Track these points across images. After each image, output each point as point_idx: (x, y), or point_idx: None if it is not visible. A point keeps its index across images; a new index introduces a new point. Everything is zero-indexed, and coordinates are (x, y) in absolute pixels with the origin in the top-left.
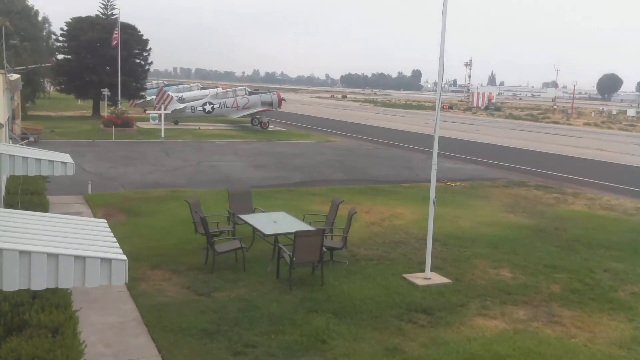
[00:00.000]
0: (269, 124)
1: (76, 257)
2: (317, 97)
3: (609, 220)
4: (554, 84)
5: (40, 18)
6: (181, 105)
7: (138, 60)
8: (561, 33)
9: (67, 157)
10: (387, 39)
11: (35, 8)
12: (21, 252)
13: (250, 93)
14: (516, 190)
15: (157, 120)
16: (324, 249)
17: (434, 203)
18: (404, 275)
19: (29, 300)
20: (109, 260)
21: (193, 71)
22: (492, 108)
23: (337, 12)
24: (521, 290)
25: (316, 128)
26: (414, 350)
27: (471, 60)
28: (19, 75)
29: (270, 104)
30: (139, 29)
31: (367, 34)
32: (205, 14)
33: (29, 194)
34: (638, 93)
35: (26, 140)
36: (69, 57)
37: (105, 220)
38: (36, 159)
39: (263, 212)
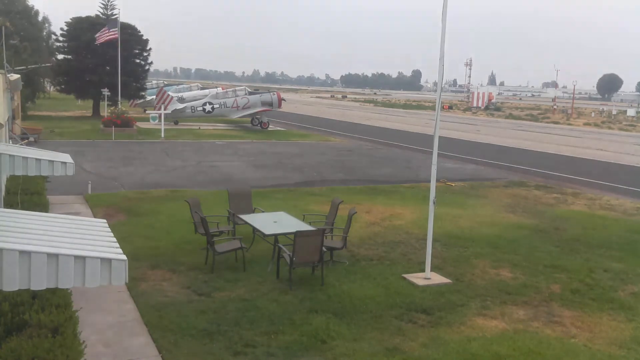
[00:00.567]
0: (269, 124)
1: (76, 257)
2: (317, 97)
3: (609, 220)
4: (554, 84)
5: (40, 18)
6: (181, 105)
7: (138, 60)
8: (561, 33)
9: (67, 157)
10: (387, 39)
11: (36, 8)
12: (21, 252)
13: (250, 93)
14: (516, 190)
15: (157, 120)
16: (324, 249)
17: (434, 203)
18: (404, 275)
19: (29, 300)
20: (109, 260)
21: (193, 71)
22: (492, 108)
23: (337, 12)
24: (521, 290)
25: (316, 128)
26: (414, 350)
27: (471, 60)
28: (19, 75)
29: (270, 104)
30: (139, 29)
31: (367, 34)
32: (206, 13)
33: (29, 194)
34: (638, 93)
35: (26, 140)
36: (69, 57)
37: (105, 220)
38: (36, 159)
39: (263, 212)
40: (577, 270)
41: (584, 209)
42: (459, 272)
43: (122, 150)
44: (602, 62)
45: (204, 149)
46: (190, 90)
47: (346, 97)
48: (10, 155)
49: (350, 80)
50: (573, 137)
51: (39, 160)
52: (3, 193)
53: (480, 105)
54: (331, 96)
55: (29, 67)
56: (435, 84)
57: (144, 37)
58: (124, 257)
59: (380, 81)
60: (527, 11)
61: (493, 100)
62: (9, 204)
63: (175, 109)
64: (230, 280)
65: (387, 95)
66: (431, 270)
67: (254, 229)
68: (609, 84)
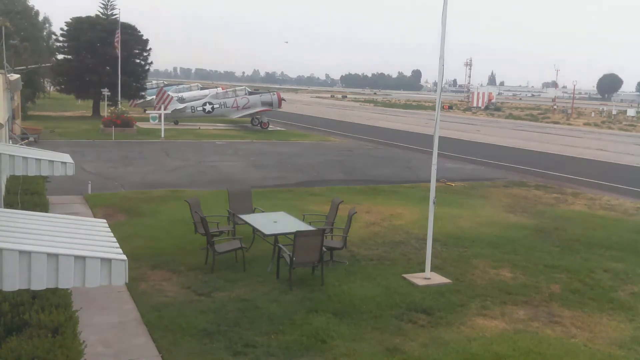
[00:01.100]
0: (269, 124)
1: (76, 257)
2: (317, 97)
3: (609, 220)
4: (554, 84)
5: (40, 18)
6: (181, 105)
7: (138, 60)
8: (561, 33)
9: (67, 157)
10: (387, 39)
11: (36, 8)
12: (21, 252)
13: (250, 93)
14: (516, 190)
15: (157, 120)
16: (324, 249)
17: (434, 203)
18: (404, 275)
19: (29, 300)
20: (109, 260)
21: (193, 71)
22: (492, 108)
23: (337, 11)
24: (521, 290)
25: (316, 128)
26: (414, 350)
27: (471, 60)
28: (19, 75)
29: (270, 104)
30: (139, 29)
31: (367, 34)
32: (206, 13)
33: (29, 194)
34: (638, 93)
35: (26, 140)
36: (69, 57)
37: (105, 220)
38: (36, 159)
39: (263, 212)
40: (577, 270)
41: (584, 209)
42: (459, 272)
43: (122, 150)
44: (602, 62)
45: (204, 149)
46: (190, 90)
47: (346, 97)
48: (10, 155)
49: (350, 80)
50: (573, 137)
51: (39, 160)
52: (3, 193)
53: (480, 105)
54: (331, 96)
55: (29, 67)
56: (435, 84)
57: (144, 37)
58: (124, 257)
59: (380, 81)
60: (527, 11)
61: (493, 100)
62: (9, 204)
63: (175, 109)
64: (230, 280)
65: (387, 95)
66: (431, 270)
67: (254, 229)
68: (609, 84)
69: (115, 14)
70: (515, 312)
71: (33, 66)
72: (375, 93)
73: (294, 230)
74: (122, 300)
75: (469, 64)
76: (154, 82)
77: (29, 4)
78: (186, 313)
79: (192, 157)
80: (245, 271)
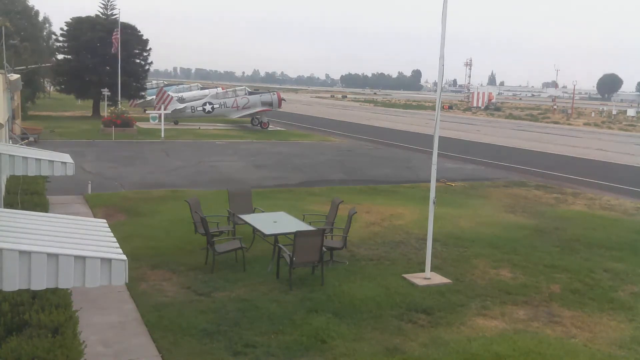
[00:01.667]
0: (269, 124)
1: (76, 257)
2: (317, 97)
3: (609, 220)
4: (554, 84)
5: (40, 18)
6: (181, 105)
7: (138, 60)
8: (561, 32)
9: (67, 157)
10: (387, 38)
11: (36, 8)
12: (21, 252)
13: (250, 93)
14: (516, 190)
15: (157, 120)
16: (324, 249)
17: (434, 203)
18: (404, 275)
19: (29, 300)
20: (109, 260)
21: (193, 71)
22: (492, 108)
23: (337, 11)
24: (521, 290)
25: (316, 128)
26: (414, 350)
27: (471, 60)
28: (19, 75)
29: (270, 104)
30: (139, 29)
31: (367, 34)
32: (206, 13)
33: (29, 194)
34: (638, 93)
35: (26, 140)
36: (69, 57)
37: (105, 220)
38: (36, 159)
39: (263, 212)
40: (577, 270)
41: (584, 209)
42: (459, 272)
43: (122, 150)
44: (602, 62)
45: (204, 149)
46: (190, 90)
47: (346, 97)
48: (10, 155)
49: (350, 80)
50: (573, 137)
51: (39, 160)
52: (3, 193)
53: (480, 105)
54: (331, 96)
55: (29, 67)
56: (435, 84)
57: (144, 37)
58: (124, 257)
59: (380, 81)
60: (527, 10)
61: (493, 100)
62: (9, 204)
63: (175, 109)
64: (230, 280)
65: (387, 95)
66: (431, 270)
67: (254, 229)
68: (609, 84)
69: (115, 14)
70: (515, 312)
71: (33, 66)
72: (375, 93)
73: (294, 230)
74: (122, 300)
75: (469, 64)
76: (154, 82)
77: (29, 4)
78: (186, 313)
79: (192, 157)
80: (245, 271)
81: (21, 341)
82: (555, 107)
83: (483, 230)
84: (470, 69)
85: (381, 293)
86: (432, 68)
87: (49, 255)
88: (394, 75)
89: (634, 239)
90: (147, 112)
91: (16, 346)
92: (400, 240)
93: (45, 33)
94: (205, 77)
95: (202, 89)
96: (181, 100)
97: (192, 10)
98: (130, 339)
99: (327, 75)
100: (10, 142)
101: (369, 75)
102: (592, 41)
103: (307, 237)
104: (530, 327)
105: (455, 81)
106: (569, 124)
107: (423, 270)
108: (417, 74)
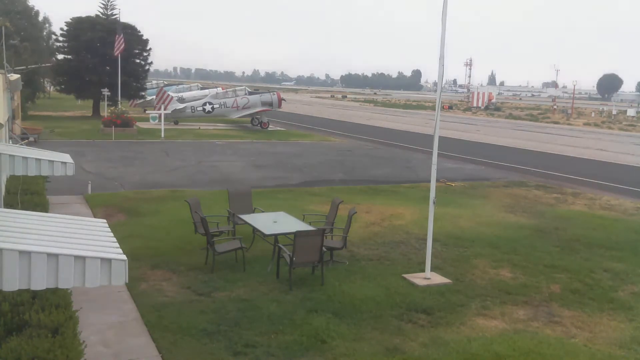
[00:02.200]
0: (269, 124)
1: (76, 257)
2: (317, 97)
3: (609, 220)
4: (554, 84)
5: (40, 18)
6: (181, 105)
7: (138, 60)
8: (561, 32)
9: (67, 157)
10: (387, 39)
11: (36, 8)
12: (21, 252)
13: (250, 93)
14: (516, 190)
15: (157, 120)
16: (324, 249)
17: (434, 203)
18: (404, 275)
19: (29, 300)
20: (109, 260)
21: (193, 71)
22: (492, 108)
23: (337, 11)
24: (521, 290)
25: (316, 128)
26: (414, 350)
27: (471, 60)
28: (19, 75)
29: (270, 104)
30: (139, 29)
31: (367, 34)
32: (206, 13)
33: (29, 194)
34: (638, 93)
35: (26, 140)
36: (69, 57)
37: (105, 220)
38: (36, 159)
39: (263, 212)
40: (577, 270)
41: (584, 209)
42: (459, 272)
43: (122, 150)
44: (602, 62)
45: (204, 149)
46: (190, 90)
47: (346, 97)
48: (10, 155)
49: (350, 80)
50: (573, 137)
51: (39, 160)
52: (3, 193)
53: (480, 105)
54: (331, 96)
55: (29, 67)
56: (435, 84)
57: (144, 37)
58: (124, 257)
59: (380, 81)
60: (527, 10)
61: (493, 100)
62: (9, 204)
63: (175, 109)
64: (230, 280)
65: (387, 95)
66: (431, 270)
67: (254, 229)
68: (609, 84)
69: (115, 14)
70: (515, 312)
71: (33, 66)
72: (375, 93)
73: (294, 230)
74: (122, 300)
75: (469, 64)
76: (154, 82)
77: (29, 4)
78: (186, 313)
79: (192, 157)
80: (245, 271)
81: (21, 341)
82: (555, 107)
83: (483, 230)
84: (470, 69)
85: (381, 293)
86: (431, 68)
87: (49, 255)
88: (394, 75)
89: (634, 239)
90: (147, 112)
91: (16, 346)
92: (400, 240)
93: (45, 33)
94: (205, 77)
95: (202, 89)
96: (181, 100)
97: (193, 10)
98: (130, 339)
99: (327, 75)
100: (10, 142)
101: (369, 75)
102: (592, 41)
103: (307, 237)
104: (530, 327)
105: (455, 81)
106: (569, 124)
107: (423, 270)
108: (417, 74)
